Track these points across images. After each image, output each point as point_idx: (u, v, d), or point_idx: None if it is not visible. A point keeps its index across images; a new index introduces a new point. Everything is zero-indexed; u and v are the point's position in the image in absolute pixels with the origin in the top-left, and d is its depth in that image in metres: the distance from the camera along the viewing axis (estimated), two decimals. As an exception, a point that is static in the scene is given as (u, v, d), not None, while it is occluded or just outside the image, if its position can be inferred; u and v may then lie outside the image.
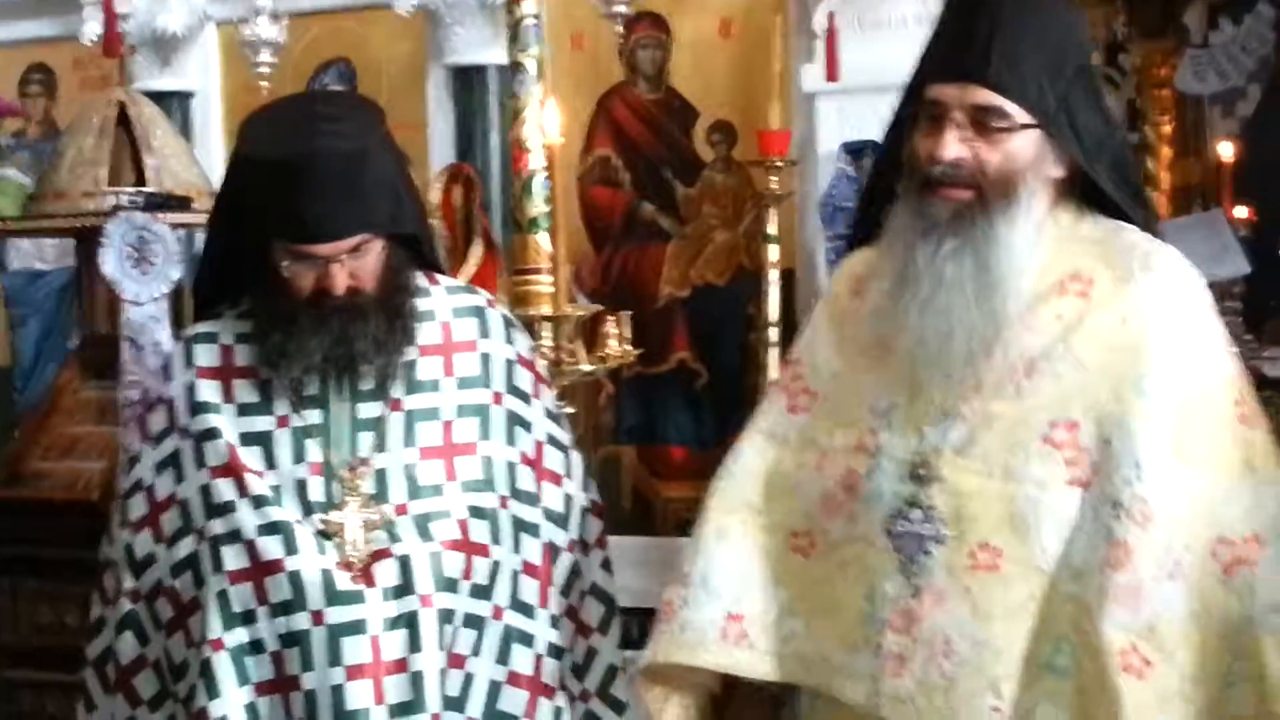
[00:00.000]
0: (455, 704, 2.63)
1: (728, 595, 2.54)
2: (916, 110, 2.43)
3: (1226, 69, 5.96)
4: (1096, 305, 2.37)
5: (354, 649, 2.55)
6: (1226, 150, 5.44)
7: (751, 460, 2.61)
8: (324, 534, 2.60)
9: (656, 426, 5.27)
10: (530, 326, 3.69)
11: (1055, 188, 2.44)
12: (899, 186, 2.44)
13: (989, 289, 2.35)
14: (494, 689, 2.67)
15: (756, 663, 2.52)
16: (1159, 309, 2.36)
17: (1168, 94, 5.50)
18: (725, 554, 2.57)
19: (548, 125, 3.80)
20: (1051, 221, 2.43)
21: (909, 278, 2.39)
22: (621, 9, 4.43)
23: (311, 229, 2.56)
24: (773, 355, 4.60)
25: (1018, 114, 2.34)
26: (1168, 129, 5.45)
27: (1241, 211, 5.22)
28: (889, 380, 2.45)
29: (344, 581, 2.57)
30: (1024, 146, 2.35)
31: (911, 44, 4.88)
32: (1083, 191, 2.46)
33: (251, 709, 2.58)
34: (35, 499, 4.31)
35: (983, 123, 2.35)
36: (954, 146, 2.35)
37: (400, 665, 2.57)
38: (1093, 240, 2.43)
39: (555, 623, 2.77)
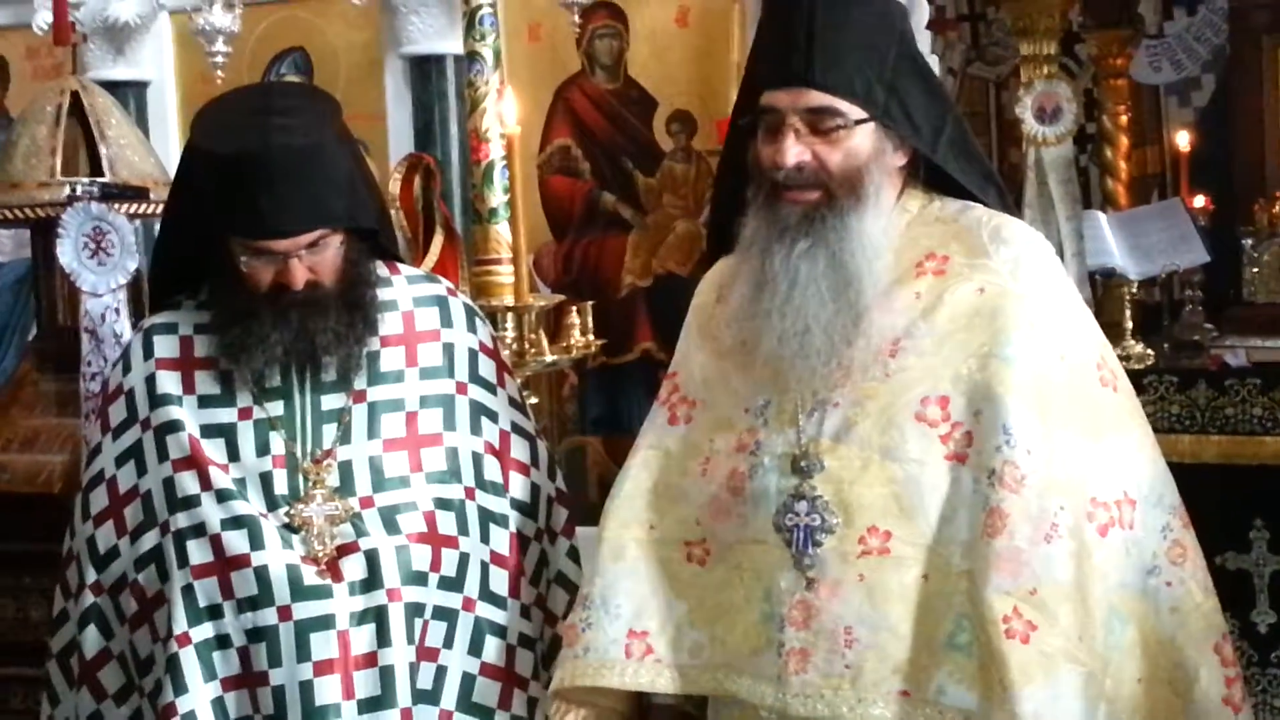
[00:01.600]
0: (429, 697, 2.62)
1: (628, 613, 2.54)
2: (754, 119, 2.45)
3: (1181, 58, 6.00)
4: (952, 280, 2.42)
5: (322, 644, 2.54)
6: (1183, 139, 5.47)
7: (639, 477, 2.62)
8: (289, 528, 2.59)
9: (621, 417, 5.27)
10: (493, 317, 3.68)
11: (901, 175, 2.49)
12: (748, 194, 2.47)
13: (843, 284, 2.39)
14: (467, 681, 2.67)
15: (663, 678, 2.53)
16: (1015, 277, 2.41)
17: (1124, 84, 5.53)
18: (622, 572, 2.57)
19: (506, 115, 3.79)
20: (900, 209, 2.48)
21: (765, 281, 2.43)
22: (578, -2, 4.41)
23: (268, 225, 2.55)
24: (735, 344, 4.60)
25: (850, 111, 2.38)
26: (1124, 119, 5.48)
27: (1199, 200, 5.25)
28: (759, 379, 2.48)
29: (310, 576, 2.56)
30: (863, 142, 2.40)
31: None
32: (929, 175, 2.51)
33: (219, 704, 2.57)
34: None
35: (818, 124, 2.38)
36: (794, 151, 2.38)
37: (369, 660, 2.56)
38: (942, 220, 2.48)
39: (526, 613, 2.76)
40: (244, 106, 2.70)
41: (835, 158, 2.39)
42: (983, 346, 2.37)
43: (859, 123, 2.38)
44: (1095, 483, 2.37)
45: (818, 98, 2.37)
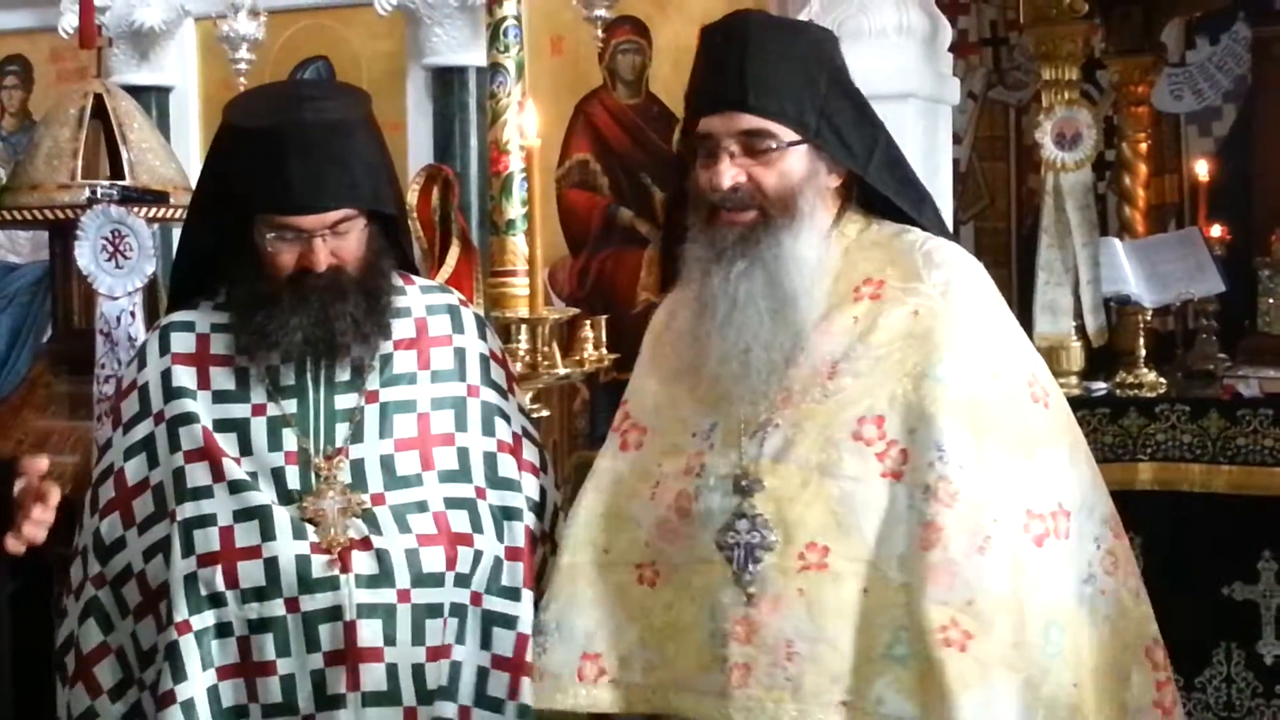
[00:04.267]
0: (446, 693, 2.63)
1: (581, 636, 2.61)
2: (694, 146, 2.53)
3: (1203, 88, 6.01)
4: (888, 303, 2.48)
5: (330, 635, 2.56)
6: (1202, 169, 5.47)
7: (592, 503, 2.68)
8: (302, 520, 2.60)
9: (632, 432, 5.26)
10: (507, 329, 3.69)
11: (838, 198, 2.56)
12: (688, 220, 2.55)
13: (782, 303, 2.46)
14: (481, 674, 2.68)
15: (615, 698, 2.59)
16: (946, 299, 2.47)
17: (1145, 111, 5.53)
18: (576, 597, 2.63)
19: (526, 127, 3.79)
20: (839, 233, 2.55)
21: (706, 302, 2.50)
22: (602, 13, 4.42)
23: (296, 199, 2.58)
24: (748, 362, 4.60)
25: (782, 133, 2.46)
26: (1144, 146, 5.48)
27: (1217, 230, 5.25)
28: (705, 402, 2.55)
29: (320, 568, 2.57)
30: (796, 163, 2.47)
31: (891, 54, 4.93)
32: (868, 200, 2.57)
33: (213, 692, 2.58)
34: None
35: (752, 146, 2.47)
36: (730, 173, 2.46)
37: (376, 654, 2.57)
38: (879, 244, 2.54)
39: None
40: (278, 90, 2.80)
41: (770, 179, 2.47)
42: (916, 367, 2.43)
43: (792, 144, 2.47)
44: (1029, 495, 2.42)
45: (751, 120, 2.46)
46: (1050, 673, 2.37)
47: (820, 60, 2.51)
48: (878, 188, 2.55)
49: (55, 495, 2.46)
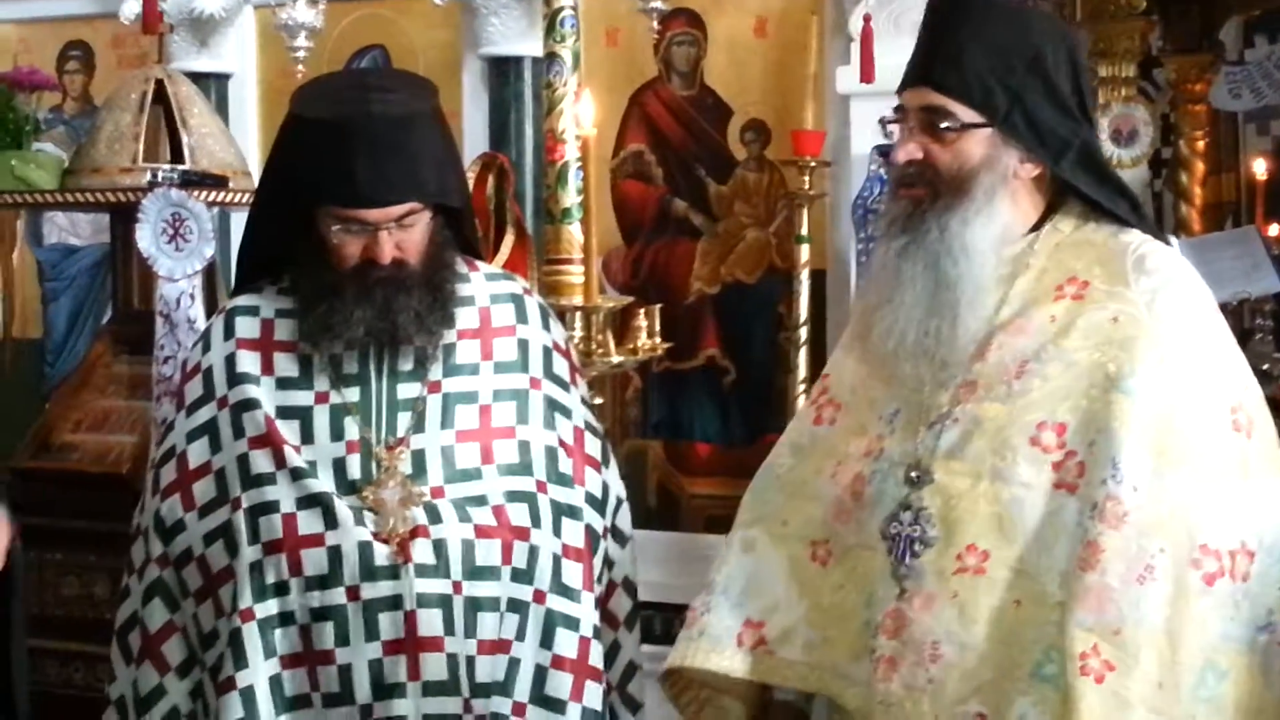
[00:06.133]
0: (501, 689, 2.63)
1: (749, 604, 2.57)
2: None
3: (1261, 86, 5.95)
4: (1089, 305, 2.39)
5: (389, 625, 2.57)
6: (1260, 167, 5.43)
7: (777, 472, 2.65)
8: (363, 509, 2.61)
9: (683, 422, 5.27)
10: (561, 317, 3.70)
11: (1043, 190, 2.47)
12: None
13: (938, 286, 2.41)
14: (539, 673, 2.67)
15: (768, 669, 2.55)
16: (1150, 309, 2.36)
17: (1202, 110, 5.49)
18: (749, 564, 2.60)
19: (582, 116, 3.82)
20: (1052, 228, 2.47)
21: (875, 275, 2.50)
22: (657, 5, 4.42)
23: (362, 191, 2.58)
24: (802, 355, 4.62)
25: (964, 114, 2.40)
26: (1201, 145, 5.45)
27: (1274, 229, 5.21)
28: (892, 386, 2.50)
29: (381, 557, 2.58)
30: (974, 146, 2.41)
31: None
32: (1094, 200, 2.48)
33: (276, 681, 2.59)
34: (65, 470, 4.34)
35: (933, 124, 2.42)
36: (908, 148, 2.44)
37: (436, 644, 2.58)
38: (1093, 244, 2.45)
39: (596, 606, 2.77)
40: (345, 81, 2.81)
41: (945, 158, 2.42)
42: (1108, 378, 2.32)
43: (973, 126, 2.40)
44: (1208, 529, 2.28)
45: (933, 97, 2.42)
46: (1198, 718, 2.27)
47: (1025, 46, 2.42)
48: (1070, 181, 2.45)
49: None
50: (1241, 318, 4.91)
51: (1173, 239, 4.92)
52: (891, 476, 2.44)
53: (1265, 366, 4.50)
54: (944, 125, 2.41)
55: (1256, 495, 2.32)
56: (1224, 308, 4.80)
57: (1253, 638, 2.28)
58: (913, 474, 2.41)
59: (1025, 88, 2.40)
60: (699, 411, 5.24)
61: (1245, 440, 2.34)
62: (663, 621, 5.01)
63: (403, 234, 2.63)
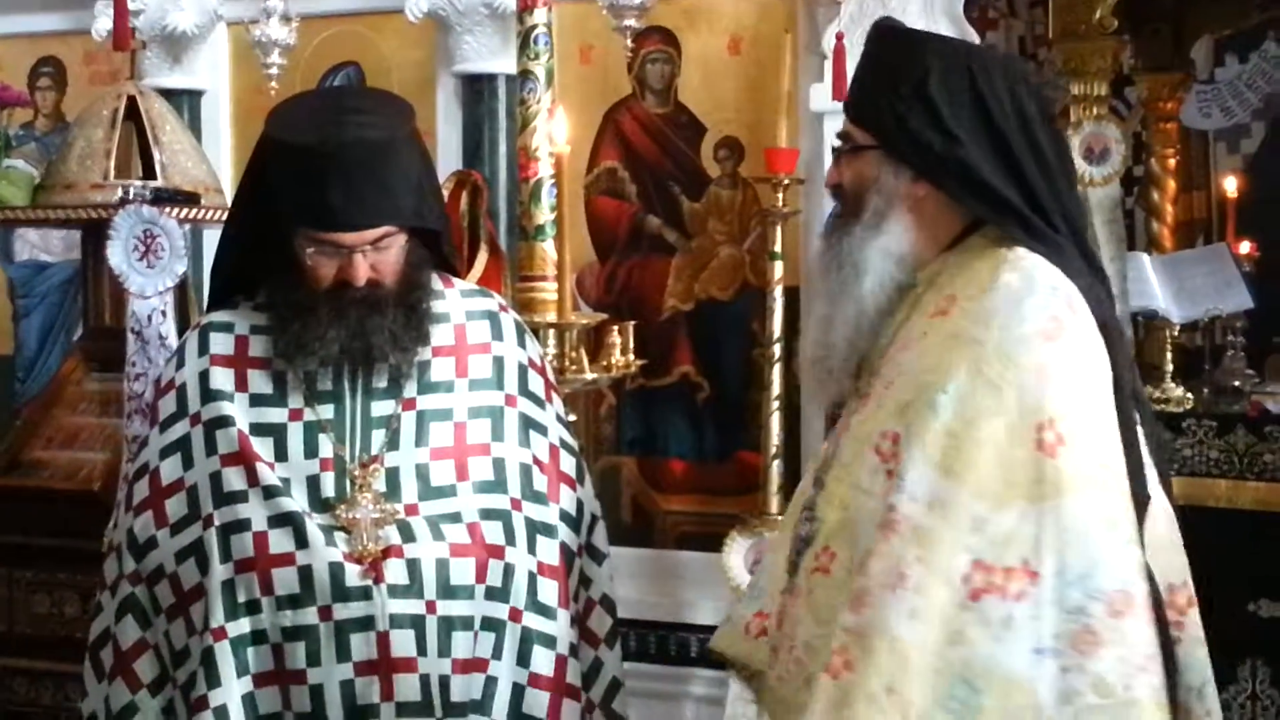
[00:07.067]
0: (478, 707, 2.63)
1: (763, 597, 2.75)
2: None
3: (1231, 105, 5.99)
4: (946, 321, 2.41)
5: (361, 645, 2.56)
6: (1231, 185, 5.47)
7: (804, 480, 2.75)
8: (335, 528, 2.60)
9: (658, 439, 5.26)
10: (535, 334, 3.69)
11: (950, 210, 2.49)
12: None
13: (836, 301, 2.51)
14: (517, 692, 2.67)
15: (751, 652, 2.72)
16: (978, 323, 2.36)
17: (1173, 128, 5.54)
18: (768, 562, 2.82)
19: (556, 133, 3.82)
20: (963, 247, 2.50)
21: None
22: (631, 23, 4.43)
23: (337, 217, 2.58)
24: (776, 372, 4.61)
25: (859, 136, 2.54)
26: (1173, 162, 5.49)
27: (1245, 246, 5.24)
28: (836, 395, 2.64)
29: (353, 577, 2.57)
30: (866, 167, 2.52)
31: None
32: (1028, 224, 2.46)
33: (249, 700, 2.58)
34: (35, 488, 4.30)
35: (842, 146, 2.56)
36: (831, 170, 2.61)
37: (410, 664, 2.57)
38: (974, 261, 2.46)
39: (574, 624, 2.77)
40: (321, 103, 2.77)
41: (846, 178, 2.55)
42: (926, 389, 2.35)
43: (865, 148, 2.51)
44: (986, 546, 2.26)
45: (844, 122, 2.57)
46: None
47: (913, 68, 2.47)
48: (951, 196, 2.48)
49: None
50: (1213, 335, 4.94)
51: (1144, 256, 4.95)
52: (812, 478, 2.58)
53: (1236, 383, 4.53)
54: (845, 146, 2.55)
55: (1053, 517, 2.27)
56: (1196, 325, 4.87)
57: (1020, 660, 2.24)
58: (820, 476, 2.53)
59: (910, 109, 2.47)
60: (673, 429, 5.23)
61: (1048, 459, 2.28)
62: (637, 638, 5.01)
63: (378, 256, 2.63)
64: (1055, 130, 2.58)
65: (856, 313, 2.49)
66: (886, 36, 2.57)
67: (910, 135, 2.46)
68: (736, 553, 4.52)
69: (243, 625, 2.58)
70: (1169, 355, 4.62)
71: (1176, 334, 4.70)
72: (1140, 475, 2.40)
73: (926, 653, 2.24)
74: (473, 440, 2.70)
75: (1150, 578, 2.34)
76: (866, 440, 2.41)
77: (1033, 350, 2.33)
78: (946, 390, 2.32)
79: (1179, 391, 4.55)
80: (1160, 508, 2.48)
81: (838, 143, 2.57)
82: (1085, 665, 2.24)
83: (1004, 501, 2.27)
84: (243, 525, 2.60)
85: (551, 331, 3.82)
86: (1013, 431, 2.29)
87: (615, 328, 3.96)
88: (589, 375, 3.84)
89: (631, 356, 3.96)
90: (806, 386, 2.65)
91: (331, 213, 2.57)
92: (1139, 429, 2.44)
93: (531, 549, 2.70)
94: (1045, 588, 2.25)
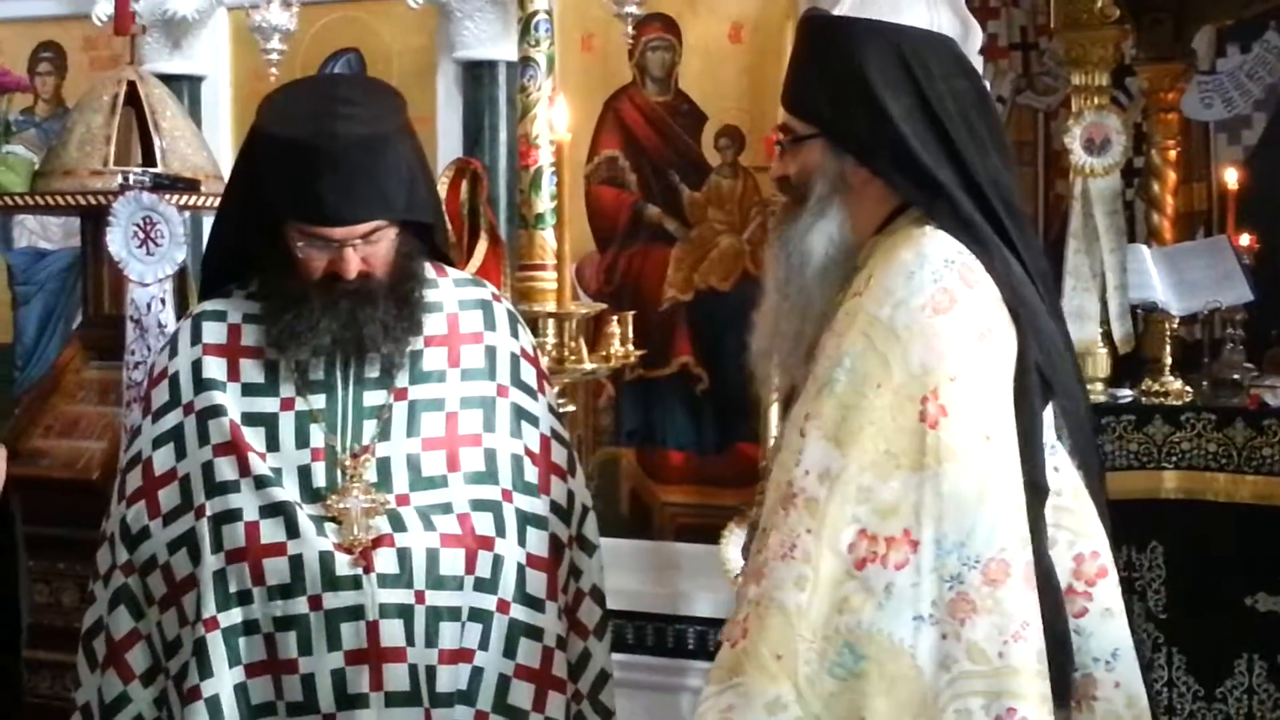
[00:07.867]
0: (465, 698, 2.64)
1: None
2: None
3: (1233, 96, 5.98)
4: (858, 301, 2.42)
5: (352, 634, 2.56)
6: (1231, 177, 5.45)
7: None
8: (325, 518, 2.60)
9: (656, 430, 5.25)
10: (534, 323, 3.70)
11: (884, 197, 2.50)
12: None
13: (783, 289, 2.53)
14: (503, 682, 2.67)
15: None
16: (873, 299, 2.38)
17: (1174, 119, 5.51)
18: None
19: (556, 121, 3.81)
20: (889, 230, 2.49)
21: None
22: (632, 10, 4.42)
23: (328, 212, 2.58)
24: (774, 362, 4.60)
25: (799, 127, 2.54)
26: (1173, 154, 5.46)
27: (1245, 239, 5.23)
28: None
29: (343, 566, 2.58)
30: (808, 156, 2.53)
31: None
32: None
33: (241, 689, 2.59)
34: (34, 476, 4.30)
35: (784, 139, 2.58)
36: (776, 164, 2.62)
37: (398, 654, 2.57)
38: (893, 242, 2.46)
39: (562, 615, 2.77)
40: (312, 94, 2.75)
41: (791, 169, 2.57)
42: (829, 369, 2.38)
43: (806, 137, 2.52)
44: (871, 517, 2.29)
45: (782, 115, 2.59)
46: (826, 694, 2.26)
47: (846, 56, 2.49)
48: (883, 178, 2.48)
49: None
50: (1213, 327, 4.93)
51: (1144, 248, 4.94)
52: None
53: (1235, 376, 4.52)
54: (787, 137, 2.56)
55: (932, 485, 2.30)
56: (1195, 317, 4.87)
57: (901, 627, 2.27)
58: (766, 464, 2.58)
59: (845, 95, 2.48)
60: (672, 419, 5.23)
61: (928, 431, 2.31)
62: (635, 630, 5.01)
63: (369, 249, 2.63)
64: (989, 107, 2.59)
65: (804, 301, 2.50)
66: (816, 25, 2.60)
67: (848, 120, 2.49)
68: (735, 544, 4.51)
69: (234, 615, 2.59)
70: (1168, 348, 4.61)
71: (1176, 326, 4.70)
72: (1034, 455, 2.41)
73: (815, 620, 2.28)
74: (464, 430, 2.71)
75: (1039, 548, 2.37)
76: (795, 423, 2.43)
77: (921, 322, 2.35)
78: (842, 364, 2.36)
79: (1178, 384, 4.54)
80: (1068, 480, 2.53)
81: (779, 136, 2.59)
82: (961, 632, 2.27)
83: (888, 472, 2.31)
84: (234, 515, 2.60)
85: (551, 321, 3.82)
86: (898, 402, 2.32)
87: (614, 318, 3.96)
88: (588, 365, 3.84)
89: (631, 347, 3.96)
90: (760, 376, 2.64)
91: (322, 207, 2.57)
92: (1039, 409, 2.44)
93: (522, 541, 2.70)
94: (925, 556, 2.28)
